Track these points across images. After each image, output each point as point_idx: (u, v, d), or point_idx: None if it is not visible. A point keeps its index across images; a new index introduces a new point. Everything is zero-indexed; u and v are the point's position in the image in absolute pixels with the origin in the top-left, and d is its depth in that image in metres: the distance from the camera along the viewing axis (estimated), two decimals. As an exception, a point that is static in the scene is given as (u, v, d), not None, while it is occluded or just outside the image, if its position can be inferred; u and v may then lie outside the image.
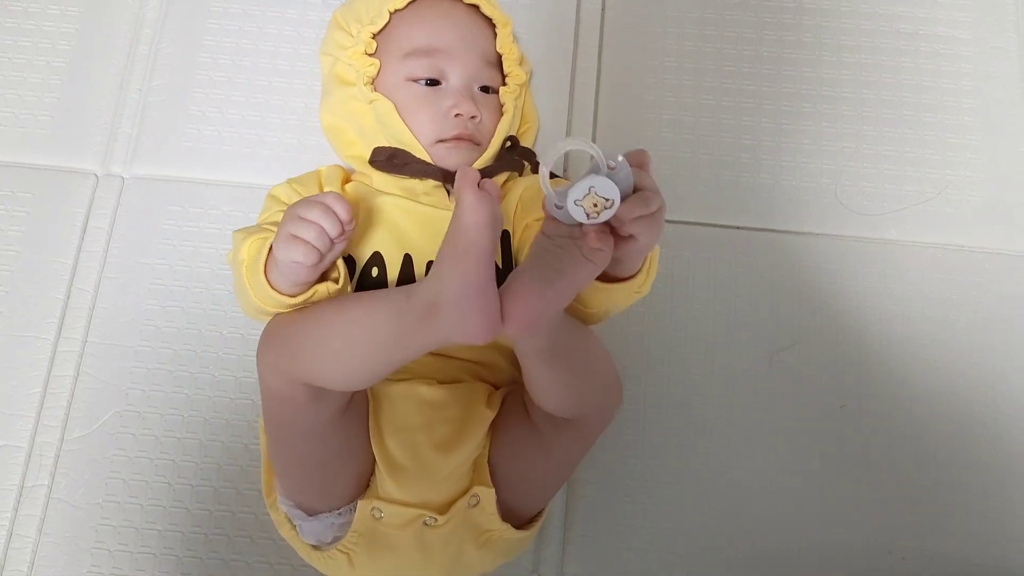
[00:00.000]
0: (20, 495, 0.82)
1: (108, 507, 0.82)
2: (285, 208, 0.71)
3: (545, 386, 0.67)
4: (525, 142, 0.87)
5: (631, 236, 0.59)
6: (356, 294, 0.69)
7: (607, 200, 0.56)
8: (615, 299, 0.68)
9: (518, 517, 0.74)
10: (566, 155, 0.93)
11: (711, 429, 0.84)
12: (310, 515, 0.73)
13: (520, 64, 0.85)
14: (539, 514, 0.77)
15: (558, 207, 0.58)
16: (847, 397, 0.85)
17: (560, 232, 0.59)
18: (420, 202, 0.77)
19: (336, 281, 0.69)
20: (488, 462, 0.73)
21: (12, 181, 0.91)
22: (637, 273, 0.66)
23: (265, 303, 0.69)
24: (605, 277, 0.65)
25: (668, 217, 0.89)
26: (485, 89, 0.81)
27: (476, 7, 0.82)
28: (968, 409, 0.86)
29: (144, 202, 0.91)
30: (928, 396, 0.86)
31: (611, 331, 0.86)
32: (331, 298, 0.68)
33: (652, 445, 0.84)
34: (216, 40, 0.96)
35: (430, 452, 0.70)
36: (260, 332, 0.83)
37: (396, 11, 0.80)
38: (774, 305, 0.88)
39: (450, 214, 0.72)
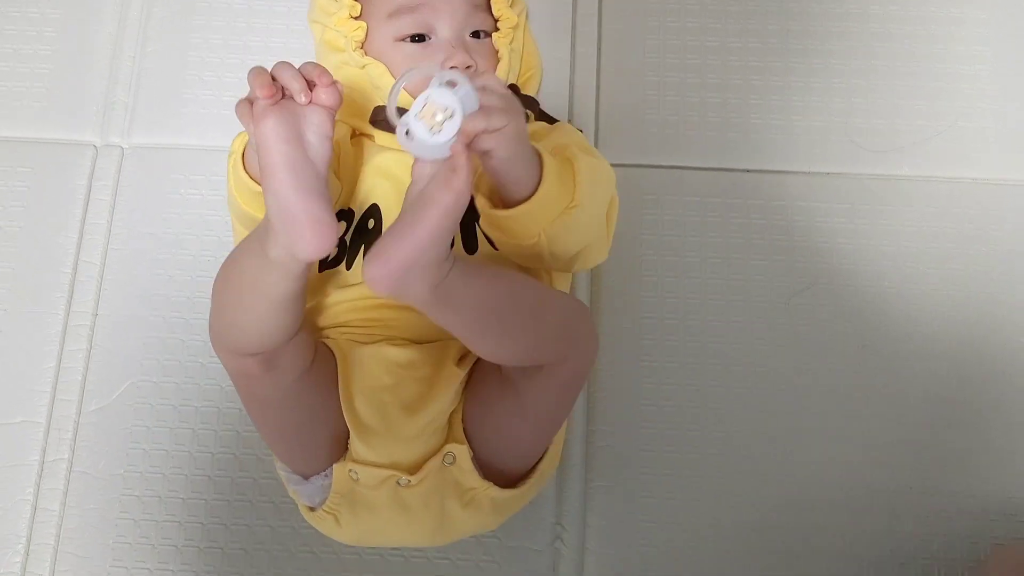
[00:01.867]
0: (42, 470, 0.82)
1: (130, 478, 0.82)
2: None
3: (465, 337, 0.64)
4: (529, 89, 0.85)
5: (488, 152, 0.59)
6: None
7: (445, 108, 0.55)
8: (536, 221, 0.65)
9: (502, 475, 0.72)
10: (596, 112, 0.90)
11: (729, 375, 0.84)
12: (304, 478, 0.73)
13: (511, 5, 0.82)
14: (530, 472, 0.74)
15: (407, 135, 0.56)
16: (866, 337, 0.85)
17: (424, 173, 0.58)
18: (391, 148, 0.76)
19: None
20: (462, 419, 0.72)
21: (10, 156, 0.90)
22: (539, 187, 0.63)
23: (242, 197, 0.67)
24: (510, 203, 0.65)
25: (675, 162, 0.91)
26: (477, 34, 0.78)
27: None
28: (988, 344, 0.85)
29: (145, 171, 0.90)
30: (948, 332, 0.85)
31: (623, 278, 0.86)
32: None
33: (670, 393, 0.83)
34: (208, 2, 0.94)
35: (397, 412, 0.68)
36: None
37: None
38: (788, 248, 0.87)
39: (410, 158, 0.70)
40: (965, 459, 0.82)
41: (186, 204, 0.89)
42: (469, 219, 0.72)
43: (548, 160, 0.65)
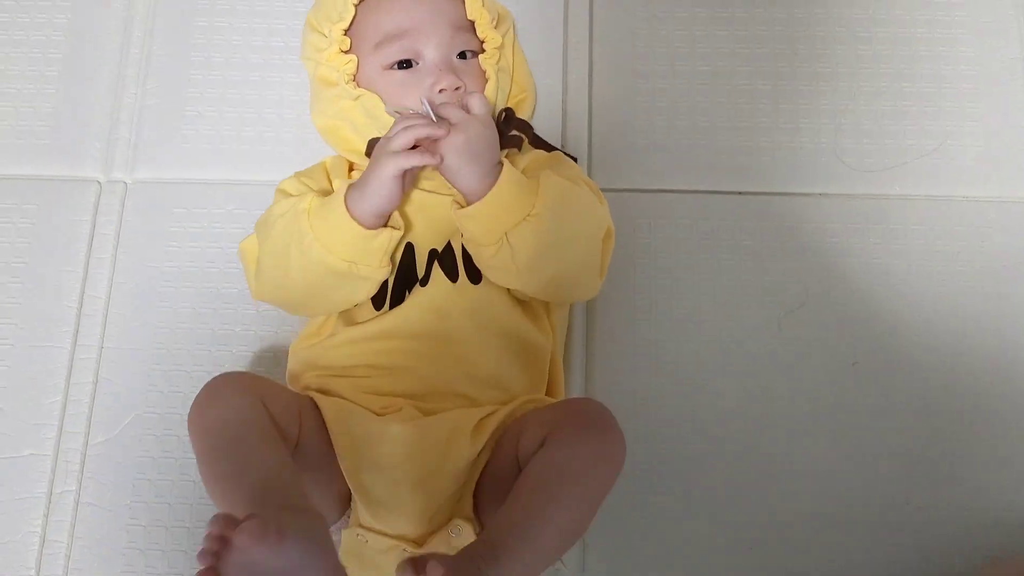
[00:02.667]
0: (49, 502, 0.84)
1: (136, 508, 0.83)
2: (290, 199, 0.75)
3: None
4: (523, 111, 0.86)
5: (441, 159, 0.70)
6: (230, 456, 0.68)
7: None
8: (494, 223, 0.70)
9: None
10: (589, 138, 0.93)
11: (723, 394, 0.85)
12: None
13: (496, 26, 0.83)
14: None
15: None
16: (858, 354, 0.86)
17: None
18: (420, 187, 0.78)
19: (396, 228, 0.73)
20: (473, 494, 0.72)
21: (16, 194, 0.92)
22: (493, 189, 0.70)
23: (337, 244, 0.71)
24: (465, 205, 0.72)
25: (666, 186, 0.92)
26: (464, 55, 0.80)
27: None
28: (979, 359, 0.86)
29: (148, 205, 0.92)
30: (939, 348, 0.86)
31: (618, 301, 0.87)
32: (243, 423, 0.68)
33: (664, 413, 0.84)
34: (207, 38, 0.96)
35: (406, 491, 0.69)
36: (269, 329, 0.86)
37: (360, 3, 0.80)
38: (780, 268, 0.88)
39: (448, 199, 0.74)
40: (958, 473, 0.83)
41: (188, 237, 0.90)
42: (451, 250, 0.75)
43: (509, 170, 0.71)
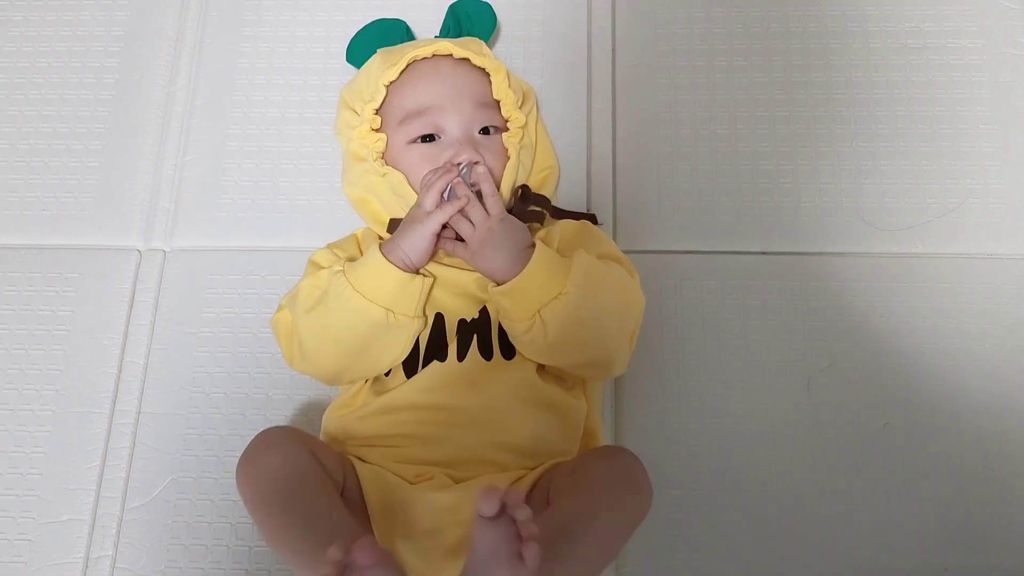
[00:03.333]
0: (87, 567, 0.85)
1: (171, 573, 0.84)
2: (321, 271, 0.78)
3: None
4: (546, 187, 0.88)
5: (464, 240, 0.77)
6: (308, 502, 0.70)
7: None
8: (526, 301, 0.73)
9: None
10: (614, 201, 0.95)
11: (753, 456, 0.85)
12: None
13: (520, 106, 0.86)
14: None
15: None
16: (889, 415, 0.85)
17: None
18: (442, 263, 0.80)
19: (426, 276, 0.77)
20: None
21: (59, 263, 0.95)
22: (524, 269, 0.73)
23: (373, 289, 0.74)
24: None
25: (691, 247, 0.94)
26: (487, 130, 0.83)
27: (466, 59, 0.85)
28: (1012, 418, 0.85)
29: (186, 273, 0.94)
30: (970, 408, 0.86)
31: (645, 362, 0.87)
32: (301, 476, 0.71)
33: (695, 476, 0.84)
34: (243, 111, 1.00)
35: (439, 557, 0.70)
36: (303, 393, 0.88)
37: (391, 83, 0.84)
38: (807, 328, 0.89)
39: (473, 275, 0.78)
40: (994, 535, 0.82)
41: (223, 303, 0.93)
42: (486, 328, 0.77)
43: (542, 250, 0.74)
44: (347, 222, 0.93)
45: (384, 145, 0.83)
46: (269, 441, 0.74)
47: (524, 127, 0.85)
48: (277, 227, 0.95)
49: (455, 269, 0.80)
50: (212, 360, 0.91)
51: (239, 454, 0.85)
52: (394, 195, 0.82)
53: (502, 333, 0.77)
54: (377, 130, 0.84)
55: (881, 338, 0.88)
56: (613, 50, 1.02)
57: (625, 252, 0.85)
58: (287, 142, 0.98)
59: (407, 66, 0.84)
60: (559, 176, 0.93)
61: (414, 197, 0.80)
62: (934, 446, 0.84)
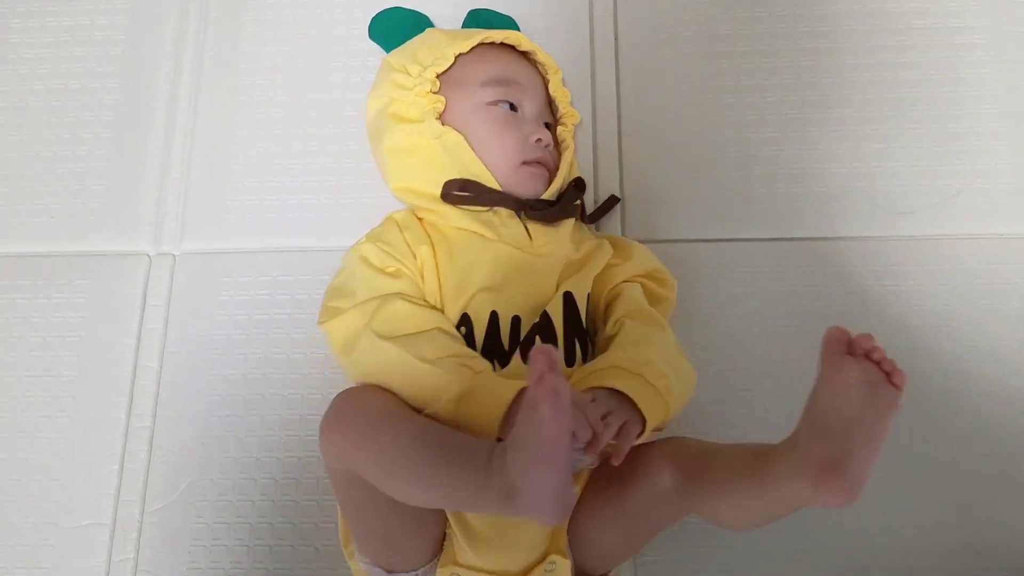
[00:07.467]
0: (109, 570, 0.85)
1: (192, 574, 0.85)
2: (378, 274, 0.76)
3: None
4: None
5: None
6: (433, 438, 0.68)
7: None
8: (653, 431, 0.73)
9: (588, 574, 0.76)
10: (621, 192, 0.95)
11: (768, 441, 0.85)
12: (388, 572, 0.74)
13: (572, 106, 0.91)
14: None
15: None
16: (904, 399, 0.84)
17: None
18: (500, 239, 0.79)
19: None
20: (567, 530, 0.73)
21: (70, 270, 0.95)
22: (644, 427, 0.72)
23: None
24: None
25: (702, 236, 0.93)
26: (547, 125, 0.86)
27: (530, 53, 0.88)
28: (1022, 397, 0.86)
29: (196, 276, 0.94)
30: (985, 388, 0.86)
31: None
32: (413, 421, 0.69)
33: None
34: (248, 113, 1.00)
35: (511, 527, 0.70)
36: (318, 393, 0.88)
37: (461, 54, 0.83)
38: (819, 313, 0.89)
39: (531, 257, 0.77)
40: (1014, 512, 0.82)
41: (235, 305, 0.93)
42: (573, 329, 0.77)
43: (647, 412, 0.71)
44: (357, 220, 0.93)
45: (443, 107, 0.82)
46: (352, 390, 0.73)
47: (578, 125, 0.89)
48: (287, 227, 0.95)
49: (513, 249, 0.79)
50: (226, 362, 0.91)
51: (256, 454, 0.87)
52: (447, 156, 0.80)
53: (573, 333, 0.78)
54: (435, 93, 0.82)
55: (895, 321, 0.88)
56: (616, 40, 1.01)
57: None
58: (293, 142, 0.98)
59: (477, 44, 0.85)
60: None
61: (471, 158, 0.80)
62: (948, 428, 0.85)
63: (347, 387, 0.75)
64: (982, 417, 0.85)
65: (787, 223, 0.93)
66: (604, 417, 0.68)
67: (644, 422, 0.71)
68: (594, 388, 0.71)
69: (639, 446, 0.71)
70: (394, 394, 0.72)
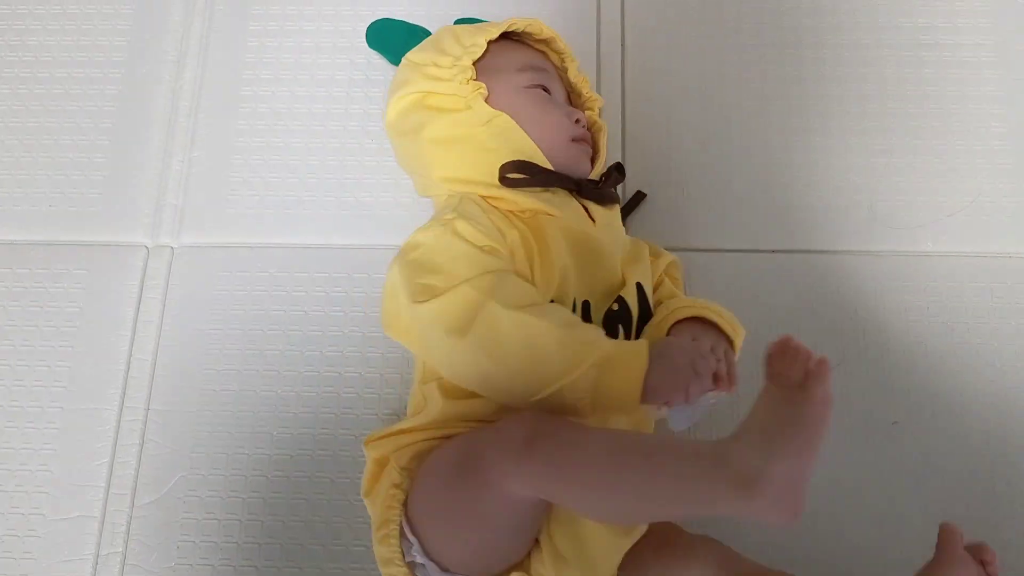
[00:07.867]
0: (96, 563, 0.85)
1: (180, 570, 0.84)
2: (479, 251, 0.72)
3: None
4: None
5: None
6: (634, 444, 0.65)
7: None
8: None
9: None
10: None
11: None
12: (443, 570, 0.71)
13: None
14: None
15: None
16: (898, 413, 0.85)
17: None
18: (565, 218, 0.78)
19: None
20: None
21: (67, 260, 0.95)
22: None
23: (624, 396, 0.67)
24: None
25: (702, 246, 0.93)
26: None
27: (549, 41, 0.89)
28: (1020, 417, 0.85)
29: (194, 270, 0.94)
30: (980, 406, 0.86)
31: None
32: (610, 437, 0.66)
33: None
34: (251, 107, 0.99)
35: (595, 546, 0.70)
36: (311, 390, 0.88)
37: (491, 41, 0.83)
38: (817, 326, 0.89)
39: (597, 238, 0.78)
40: (1002, 535, 0.82)
41: (232, 300, 0.92)
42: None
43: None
44: (356, 218, 0.93)
45: (487, 91, 0.81)
46: (523, 420, 0.66)
47: (602, 108, 0.91)
48: (286, 223, 0.95)
49: (581, 229, 0.79)
50: (221, 357, 0.90)
51: (247, 450, 0.87)
52: (499, 139, 0.79)
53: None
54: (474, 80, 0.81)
55: (891, 337, 0.88)
56: (622, 44, 1.01)
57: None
58: (295, 137, 0.98)
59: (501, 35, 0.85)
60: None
61: (522, 139, 0.79)
62: (942, 445, 0.84)
63: (490, 407, 0.72)
64: (974, 435, 0.85)
65: (785, 235, 0.92)
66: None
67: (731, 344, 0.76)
68: (673, 326, 0.76)
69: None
70: (558, 415, 0.67)
